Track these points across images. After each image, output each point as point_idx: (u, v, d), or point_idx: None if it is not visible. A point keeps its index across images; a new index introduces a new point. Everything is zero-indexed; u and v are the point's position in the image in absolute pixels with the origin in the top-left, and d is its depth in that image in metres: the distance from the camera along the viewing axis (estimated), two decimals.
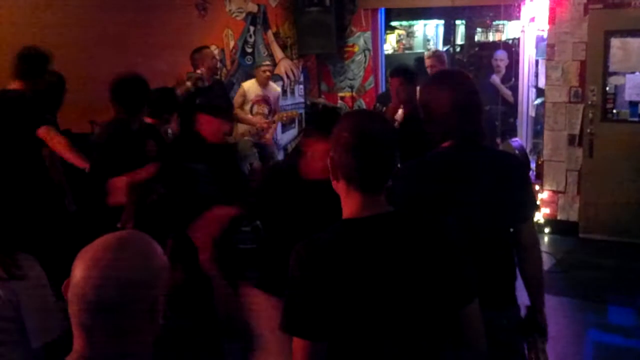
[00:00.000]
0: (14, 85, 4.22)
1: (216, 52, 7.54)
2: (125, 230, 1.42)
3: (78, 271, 1.30)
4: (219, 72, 7.51)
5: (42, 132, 4.12)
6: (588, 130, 6.37)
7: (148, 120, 4.33)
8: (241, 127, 6.94)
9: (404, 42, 12.44)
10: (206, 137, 3.54)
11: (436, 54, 6.64)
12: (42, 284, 2.42)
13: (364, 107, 8.29)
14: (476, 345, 1.75)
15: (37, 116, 4.19)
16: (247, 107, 6.96)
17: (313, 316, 1.58)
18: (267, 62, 7.25)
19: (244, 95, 6.96)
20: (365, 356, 1.64)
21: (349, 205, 1.72)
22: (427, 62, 6.35)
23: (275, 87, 7.26)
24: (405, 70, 5.26)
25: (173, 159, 3.42)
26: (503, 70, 7.33)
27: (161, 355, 1.40)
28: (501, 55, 7.37)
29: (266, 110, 7.02)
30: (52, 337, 2.39)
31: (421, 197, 2.23)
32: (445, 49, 10.22)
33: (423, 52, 11.95)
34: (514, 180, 2.40)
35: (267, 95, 7.01)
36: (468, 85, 2.40)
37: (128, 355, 1.33)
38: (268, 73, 7.03)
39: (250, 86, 7.01)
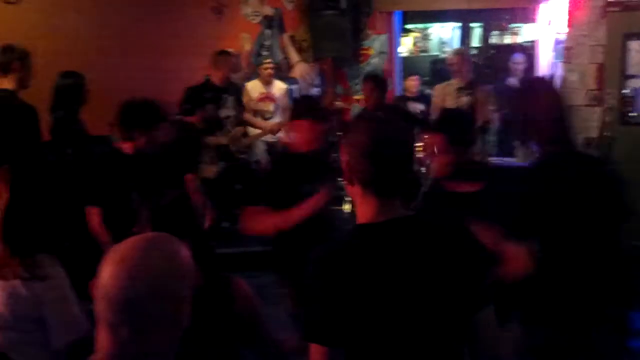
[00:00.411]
0: (4, 83, 4.24)
1: None
2: (153, 233, 1.44)
3: (106, 271, 1.32)
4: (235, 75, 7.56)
5: None
6: (606, 134, 6.32)
7: None
8: (254, 131, 6.94)
9: (419, 44, 12.42)
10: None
11: (461, 53, 6.53)
12: (64, 284, 2.46)
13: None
14: (492, 351, 1.75)
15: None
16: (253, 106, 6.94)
17: (329, 322, 1.58)
18: (269, 60, 7.24)
19: (248, 95, 6.95)
20: None
21: (365, 209, 1.71)
22: (452, 61, 6.23)
23: (281, 85, 7.19)
24: (376, 76, 6.16)
25: None
26: (520, 74, 7.30)
27: (183, 356, 1.42)
28: (519, 59, 7.34)
29: (272, 108, 7.00)
30: (73, 336, 2.43)
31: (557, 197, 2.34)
32: None
33: (438, 55, 11.94)
34: (610, 182, 2.50)
35: (271, 93, 6.99)
36: (562, 95, 2.58)
37: (153, 355, 1.35)
38: (270, 70, 7.00)
39: (253, 85, 6.99)
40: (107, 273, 1.32)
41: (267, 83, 6.96)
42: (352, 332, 1.58)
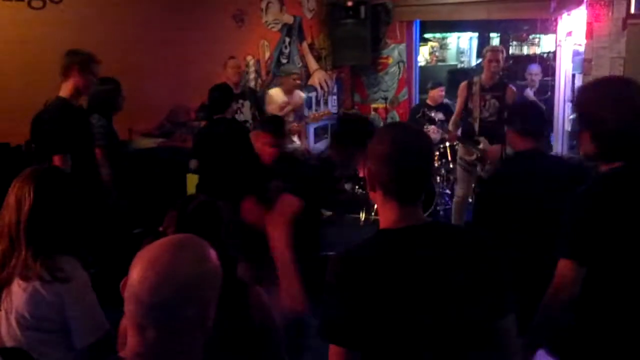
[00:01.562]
0: (62, 90, 4.26)
1: (252, 62, 7.65)
2: (182, 234, 1.47)
3: (135, 272, 1.35)
4: (255, 82, 7.62)
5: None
6: None
7: None
8: None
9: (437, 54, 12.44)
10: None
11: (495, 49, 6.32)
12: (86, 286, 2.48)
13: (397, 118, 8.31)
14: (509, 356, 1.76)
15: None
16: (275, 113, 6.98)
17: (349, 325, 1.61)
18: (297, 71, 7.30)
19: (273, 102, 6.99)
20: None
21: (386, 215, 1.74)
22: (490, 56, 6.06)
23: (300, 94, 7.27)
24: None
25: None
26: (537, 85, 7.29)
27: (208, 356, 1.44)
28: (535, 70, 7.33)
29: (292, 117, 7.07)
30: (95, 338, 2.46)
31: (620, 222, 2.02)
32: (478, 61, 10.19)
33: (456, 65, 11.95)
34: None
35: (292, 102, 7.03)
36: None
37: (180, 355, 1.37)
38: (298, 81, 7.07)
39: (276, 93, 7.04)
40: (137, 274, 1.34)
41: (289, 92, 7.01)
42: (371, 336, 1.61)
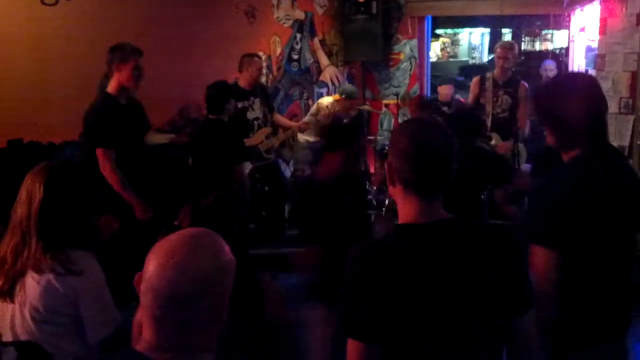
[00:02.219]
0: (113, 82, 4.32)
1: (263, 58, 7.65)
2: (197, 228, 1.47)
3: (152, 265, 1.35)
4: (266, 78, 7.62)
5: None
6: (638, 142, 6.24)
7: None
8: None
9: (448, 49, 12.40)
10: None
11: (508, 45, 6.31)
12: (100, 280, 2.50)
13: (409, 115, 8.29)
14: (529, 355, 1.75)
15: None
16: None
17: (368, 319, 1.61)
18: (357, 97, 7.33)
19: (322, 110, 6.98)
20: None
21: (406, 210, 1.74)
22: (499, 53, 6.05)
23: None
24: None
25: None
26: None
27: (220, 352, 1.45)
28: (550, 65, 7.28)
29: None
30: (108, 331, 2.47)
31: (582, 206, 2.08)
32: (490, 57, 10.14)
33: (468, 60, 11.91)
34: None
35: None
36: (597, 90, 2.21)
37: (195, 348, 1.38)
38: (354, 112, 7.10)
39: (328, 104, 7.01)
40: (154, 267, 1.35)
41: (345, 111, 6.96)
42: (390, 330, 1.60)
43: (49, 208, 2.43)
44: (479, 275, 1.66)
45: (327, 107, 6.95)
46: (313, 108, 7.12)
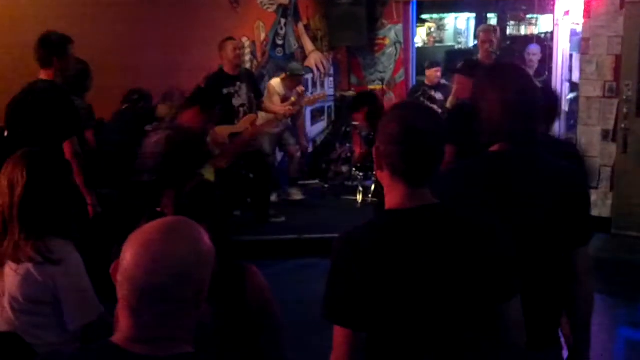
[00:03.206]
0: (43, 74, 4.21)
1: (247, 44, 7.59)
2: (175, 217, 1.45)
3: (129, 254, 1.33)
4: (251, 64, 7.56)
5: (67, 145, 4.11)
6: (622, 126, 6.27)
7: None
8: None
9: (434, 35, 12.38)
10: None
11: (488, 29, 6.24)
12: (79, 269, 2.48)
13: (394, 100, 8.27)
14: (514, 342, 1.75)
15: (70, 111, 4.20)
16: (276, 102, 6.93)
17: (355, 305, 1.60)
18: (303, 73, 7.35)
19: (276, 94, 6.93)
20: (404, 348, 1.65)
21: (393, 195, 1.72)
22: (482, 37, 5.94)
23: (301, 89, 7.23)
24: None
25: None
26: (535, 65, 7.23)
27: (201, 342, 1.43)
28: (534, 50, 7.27)
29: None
30: (88, 320, 2.45)
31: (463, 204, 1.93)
32: (475, 42, 10.13)
33: (453, 46, 11.88)
34: (574, 195, 2.06)
35: (288, 97, 6.98)
36: (522, 80, 2.10)
37: (172, 339, 1.36)
38: (303, 89, 7.12)
39: (277, 85, 6.98)
40: (131, 257, 1.32)
41: (290, 90, 6.95)
42: (376, 316, 1.60)
43: (32, 196, 2.41)
44: (464, 261, 1.65)
45: (275, 87, 6.91)
46: (265, 92, 7.04)
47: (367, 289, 1.59)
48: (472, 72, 4.58)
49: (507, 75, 2.10)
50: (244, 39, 7.50)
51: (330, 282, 1.66)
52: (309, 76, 8.06)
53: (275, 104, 6.76)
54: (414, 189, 1.69)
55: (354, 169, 7.15)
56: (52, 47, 4.20)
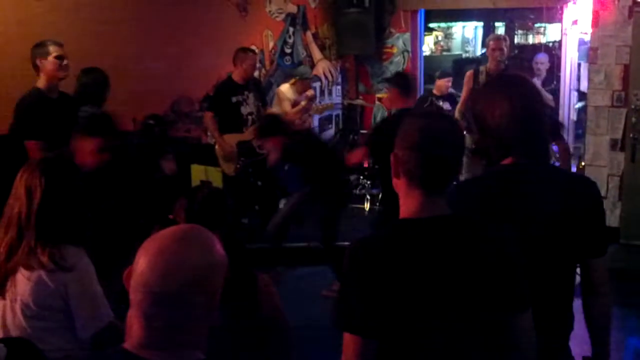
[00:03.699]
0: (41, 78, 4.31)
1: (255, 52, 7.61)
2: (188, 224, 1.45)
3: (143, 261, 1.34)
4: (259, 73, 7.59)
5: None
6: (631, 135, 6.25)
7: None
8: None
9: (442, 43, 12.40)
10: None
11: (498, 37, 6.35)
12: (90, 275, 2.49)
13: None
14: (525, 354, 1.74)
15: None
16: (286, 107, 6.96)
17: (366, 313, 1.59)
18: (311, 77, 7.44)
19: (287, 100, 6.96)
20: (415, 357, 1.64)
21: (408, 204, 1.71)
22: (493, 45, 6.06)
23: (310, 93, 7.27)
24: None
25: None
26: (543, 74, 7.24)
27: (212, 348, 1.43)
28: (542, 59, 7.28)
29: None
30: (99, 326, 2.46)
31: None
32: (483, 51, 10.15)
33: (461, 54, 11.90)
34: (588, 206, 2.04)
35: (298, 102, 7.01)
36: (530, 92, 2.06)
37: (184, 346, 1.37)
38: (312, 92, 7.14)
39: (287, 90, 7.01)
40: (145, 264, 1.33)
41: (300, 93, 6.98)
42: (387, 325, 1.59)
43: (50, 202, 2.41)
44: (477, 272, 1.65)
45: (285, 93, 6.93)
46: (275, 98, 7.05)
47: (379, 298, 1.58)
48: (402, 85, 4.88)
49: (516, 88, 2.05)
50: (252, 47, 7.53)
51: (341, 290, 1.66)
52: (317, 84, 8.08)
53: (286, 110, 6.79)
54: (430, 198, 1.69)
55: (361, 177, 7.15)
56: (34, 47, 4.32)
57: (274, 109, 6.75)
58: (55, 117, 4.32)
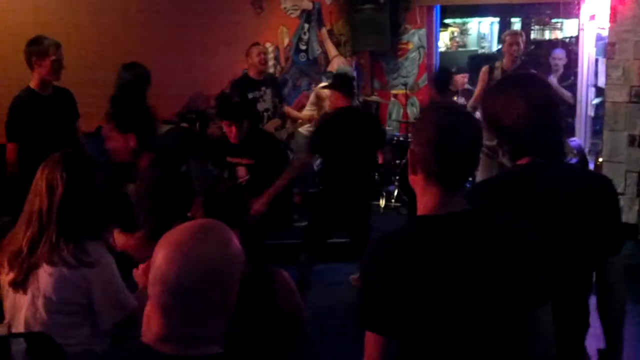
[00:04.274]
0: (34, 77, 4.33)
1: (271, 49, 7.63)
2: (206, 219, 1.46)
3: (161, 255, 1.35)
4: (274, 69, 7.60)
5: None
6: None
7: None
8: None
9: (457, 39, 12.33)
10: None
11: (514, 33, 6.29)
12: (112, 269, 2.51)
13: (417, 104, 8.25)
14: (545, 348, 1.74)
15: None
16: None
17: (387, 312, 1.58)
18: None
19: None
20: (437, 355, 1.63)
21: (426, 200, 1.69)
22: (510, 40, 6.01)
23: None
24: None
25: None
26: (561, 70, 7.18)
27: (230, 343, 1.44)
28: (559, 54, 7.21)
29: None
30: (120, 317, 2.49)
31: None
32: (499, 47, 10.08)
33: (477, 50, 11.83)
34: (604, 203, 2.03)
35: None
36: (546, 91, 2.05)
37: (202, 339, 1.38)
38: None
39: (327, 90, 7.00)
40: (163, 258, 1.35)
41: None
42: (409, 324, 1.58)
43: (71, 197, 2.43)
44: (500, 267, 1.63)
45: (326, 94, 6.92)
46: (312, 97, 7.05)
47: (400, 296, 1.57)
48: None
49: (531, 87, 2.04)
50: (268, 44, 7.55)
51: (363, 289, 1.65)
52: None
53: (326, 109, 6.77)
54: (448, 194, 1.67)
55: (376, 173, 7.13)
56: (31, 45, 4.31)
57: (311, 109, 6.76)
58: (49, 115, 4.33)
